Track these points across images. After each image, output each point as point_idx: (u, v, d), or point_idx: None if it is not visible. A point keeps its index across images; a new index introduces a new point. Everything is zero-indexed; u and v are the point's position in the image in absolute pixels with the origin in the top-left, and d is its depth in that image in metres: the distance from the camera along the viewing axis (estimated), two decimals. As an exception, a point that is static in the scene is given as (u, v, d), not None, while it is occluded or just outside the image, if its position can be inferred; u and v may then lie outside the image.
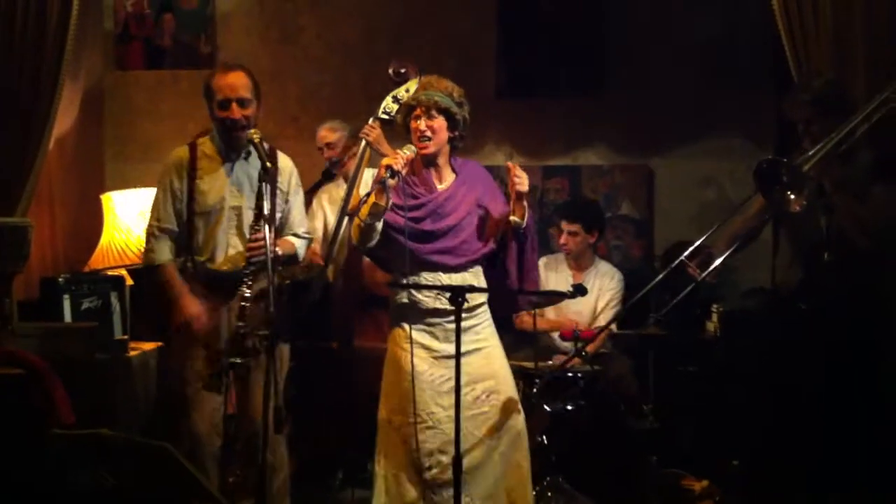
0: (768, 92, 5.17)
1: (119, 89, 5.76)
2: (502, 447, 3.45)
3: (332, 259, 4.48)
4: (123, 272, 4.53)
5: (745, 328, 4.15)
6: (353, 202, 4.41)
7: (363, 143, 4.43)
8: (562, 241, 4.91)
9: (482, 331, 3.52)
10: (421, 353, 3.44)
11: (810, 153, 3.45)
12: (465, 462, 3.32)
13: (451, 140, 3.52)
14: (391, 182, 3.29)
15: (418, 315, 3.48)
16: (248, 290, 3.44)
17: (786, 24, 4.00)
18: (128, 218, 4.76)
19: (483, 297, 3.53)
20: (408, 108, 3.51)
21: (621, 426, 4.49)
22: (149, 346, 4.28)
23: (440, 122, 3.45)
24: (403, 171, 3.35)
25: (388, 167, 3.30)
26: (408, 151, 3.41)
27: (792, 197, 3.41)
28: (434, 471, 3.38)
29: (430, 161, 3.53)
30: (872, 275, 3.57)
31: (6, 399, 3.35)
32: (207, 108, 3.65)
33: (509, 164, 3.47)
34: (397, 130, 4.50)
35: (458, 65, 5.42)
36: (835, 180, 3.58)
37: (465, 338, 3.32)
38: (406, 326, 3.47)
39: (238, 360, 3.41)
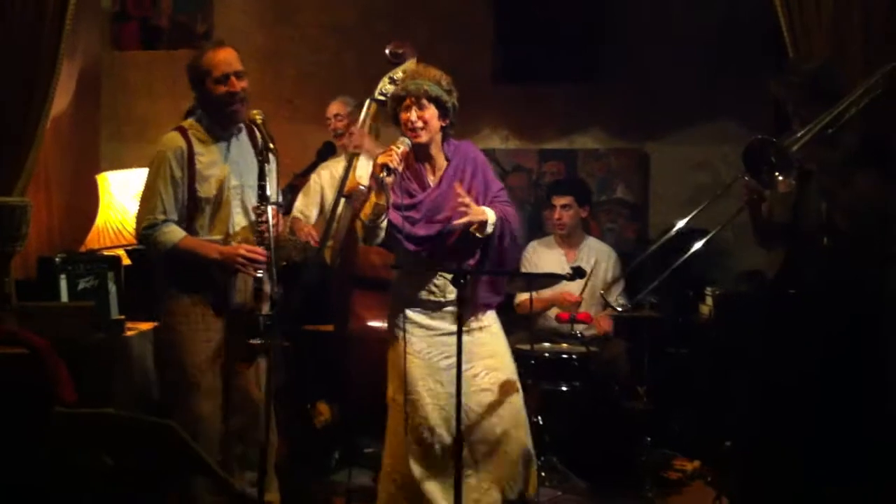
0: (763, 77, 5.14)
1: (115, 69, 5.75)
2: (503, 424, 3.49)
3: (330, 241, 4.48)
4: (121, 252, 4.53)
5: (740, 311, 4.19)
6: (349, 185, 4.43)
7: (350, 153, 4.40)
8: (556, 216, 4.95)
9: (483, 311, 3.56)
10: (419, 331, 3.48)
11: (798, 135, 3.46)
12: (464, 437, 3.36)
13: (442, 128, 3.50)
14: (388, 180, 3.29)
15: (417, 296, 3.50)
16: (262, 272, 3.44)
17: (785, 13, 4.01)
18: (123, 198, 4.76)
19: None
20: (397, 99, 3.49)
21: (615, 407, 4.54)
22: (145, 325, 4.28)
23: (431, 112, 3.44)
24: (400, 168, 3.34)
25: (384, 165, 3.28)
26: (402, 146, 3.38)
27: (780, 177, 3.43)
28: (436, 447, 3.43)
29: (422, 151, 3.50)
30: (860, 259, 3.60)
31: (8, 378, 3.35)
32: (196, 89, 3.56)
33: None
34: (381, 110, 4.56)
35: (455, 48, 5.44)
36: (820, 164, 3.60)
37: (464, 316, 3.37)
38: (404, 307, 3.50)
39: (257, 341, 3.43)
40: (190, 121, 3.63)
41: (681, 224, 3.81)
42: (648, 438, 4.34)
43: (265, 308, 3.45)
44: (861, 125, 3.60)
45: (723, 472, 4.21)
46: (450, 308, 3.48)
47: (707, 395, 4.48)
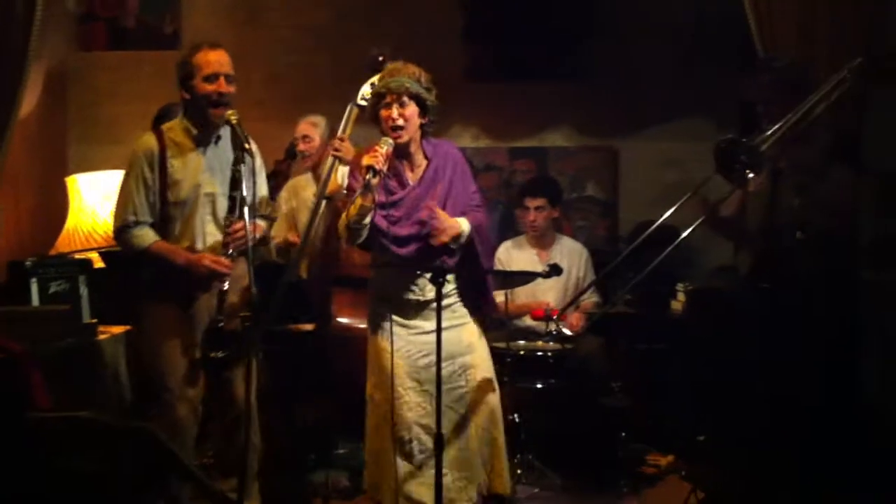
0: (732, 73, 5.23)
1: (82, 71, 5.69)
2: (478, 421, 3.50)
3: (306, 249, 4.44)
4: (94, 255, 4.49)
5: (713, 306, 4.23)
6: (331, 187, 4.41)
7: (331, 159, 4.36)
8: (530, 218, 4.96)
9: (458, 308, 3.57)
10: (398, 330, 3.47)
11: (768, 133, 3.50)
12: (450, 441, 3.41)
13: (422, 126, 3.50)
14: (374, 181, 3.28)
15: (397, 295, 3.51)
16: (226, 283, 3.43)
17: (753, 11, 4.06)
18: (94, 201, 4.72)
19: (453, 287, 3.55)
20: (377, 97, 3.47)
21: (591, 404, 4.57)
22: (118, 329, 4.25)
23: (412, 109, 3.43)
24: (384, 168, 3.34)
25: (370, 167, 3.27)
26: (385, 146, 3.37)
27: (751, 176, 3.46)
28: (413, 444, 3.43)
29: (402, 150, 3.49)
30: (833, 253, 3.65)
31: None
32: (182, 88, 3.52)
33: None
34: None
35: (427, 46, 5.41)
36: (792, 160, 3.65)
37: (441, 315, 3.38)
38: (383, 306, 3.51)
39: (219, 354, 3.42)
40: (171, 123, 3.60)
41: (652, 229, 3.84)
42: (623, 434, 4.37)
43: (231, 322, 3.44)
44: (832, 120, 3.65)
45: (697, 466, 4.25)
46: (430, 307, 3.48)
47: (681, 390, 4.51)
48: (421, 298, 3.50)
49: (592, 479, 4.37)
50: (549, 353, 4.54)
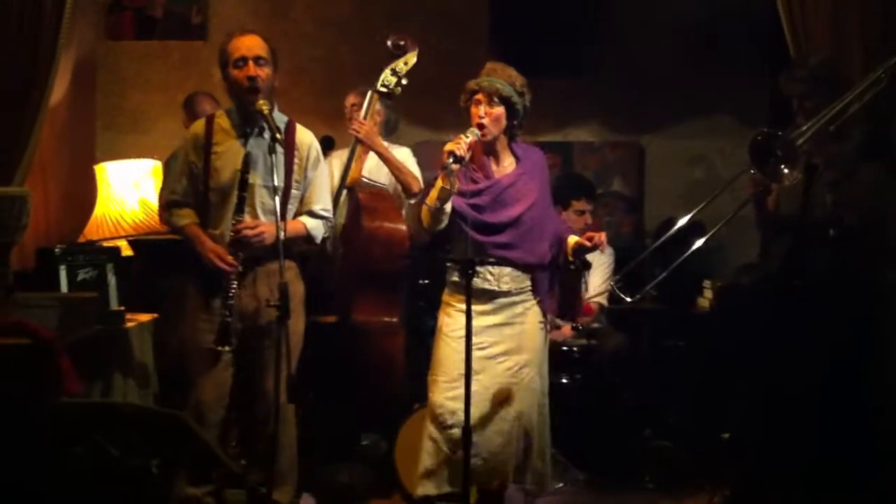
0: (759, 70, 5.22)
1: (109, 59, 5.69)
2: (524, 418, 3.51)
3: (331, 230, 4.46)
4: (123, 243, 4.51)
5: (742, 303, 4.21)
6: (350, 177, 4.42)
7: (354, 140, 4.41)
8: (587, 221, 4.82)
9: (530, 308, 3.57)
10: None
11: (803, 128, 3.49)
12: (486, 428, 3.44)
13: (509, 128, 3.54)
14: (454, 167, 3.30)
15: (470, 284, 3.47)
16: (235, 283, 3.43)
17: (787, 9, 4.04)
18: (122, 189, 4.73)
19: (528, 282, 3.57)
20: (470, 93, 3.51)
21: (615, 400, 4.56)
22: (145, 317, 4.26)
23: (500, 111, 3.48)
24: (467, 157, 3.36)
25: (451, 153, 3.30)
26: (470, 136, 3.40)
27: (785, 171, 3.45)
28: (453, 430, 3.44)
29: (488, 147, 3.55)
30: (866, 252, 3.63)
31: (13, 368, 3.32)
32: (222, 77, 3.56)
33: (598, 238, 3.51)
34: (396, 102, 4.55)
35: (451, 42, 5.45)
36: (826, 157, 3.64)
37: (510, 310, 3.52)
38: (457, 296, 3.52)
39: (225, 349, 3.43)
40: (221, 111, 3.65)
41: (682, 223, 3.83)
42: (648, 430, 4.36)
43: (234, 321, 3.44)
44: (865, 118, 3.63)
45: (721, 464, 4.23)
46: (502, 299, 3.52)
47: (706, 387, 4.50)
48: (496, 289, 3.51)
49: (616, 475, 4.37)
50: (574, 349, 4.54)
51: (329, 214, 3.73)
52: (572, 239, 3.61)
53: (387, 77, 4.40)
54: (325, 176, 3.74)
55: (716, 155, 5.45)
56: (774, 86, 3.88)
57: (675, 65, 5.48)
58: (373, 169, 4.53)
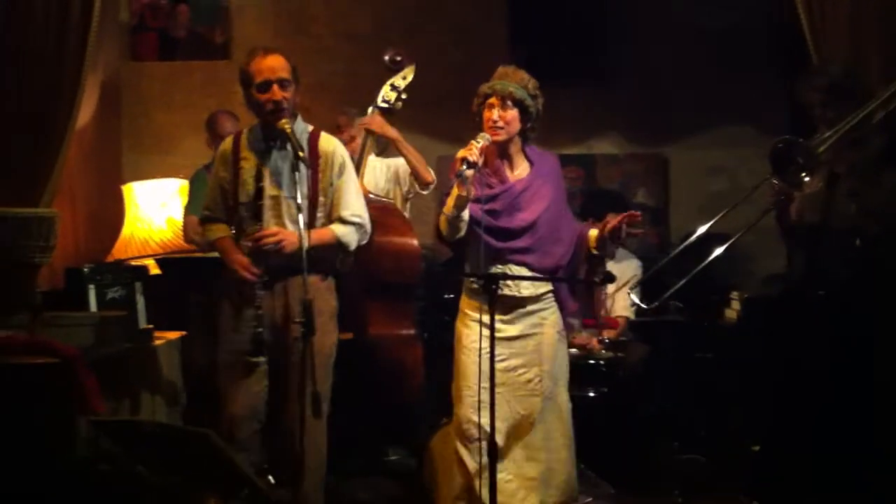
0: (781, 80, 5.20)
1: (133, 80, 5.76)
2: (547, 431, 3.50)
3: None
4: (151, 262, 4.55)
5: (769, 314, 4.18)
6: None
7: (364, 132, 4.45)
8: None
9: (548, 318, 3.56)
10: (485, 331, 3.40)
11: (825, 135, 3.48)
12: (509, 440, 3.43)
13: (522, 131, 3.53)
14: (468, 173, 3.30)
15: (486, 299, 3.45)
16: (261, 293, 3.46)
17: (805, 8, 4.03)
18: (149, 208, 4.78)
19: (549, 286, 3.56)
20: (483, 97, 3.51)
21: (642, 412, 4.54)
22: (173, 334, 4.29)
23: (513, 114, 3.47)
24: (480, 162, 3.35)
25: (464, 159, 3.30)
26: (482, 141, 3.40)
27: (806, 178, 3.43)
28: (478, 444, 3.41)
29: (502, 150, 3.54)
30: (890, 261, 3.60)
31: (39, 387, 3.36)
32: (244, 96, 3.56)
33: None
34: (404, 117, 4.57)
35: (469, 54, 5.47)
36: (848, 165, 3.62)
37: (527, 321, 3.50)
38: (473, 305, 3.51)
39: (258, 360, 3.46)
40: (248, 127, 3.67)
41: (702, 230, 3.82)
42: (676, 443, 4.33)
43: (265, 332, 3.47)
44: (884, 125, 3.61)
45: (751, 476, 4.20)
46: (520, 310, 3.51)
47: (734, 399, 4.46)
48: (517, 294, 3.50)
49: (645, 488, 4.33)
50: (601, 362, 4.52)
51: (360, 220, 3.62)
52: (594, 231, 3.56)
53: (386, 92, 4.43)
54: (352, 182, 3.66)
55: (739, 166, 5.42)
56: (796, 94, 3.87)
57: (696, 74, 5.47)
58: (372, 183, 4.56)
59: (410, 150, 4.45)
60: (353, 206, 3.62)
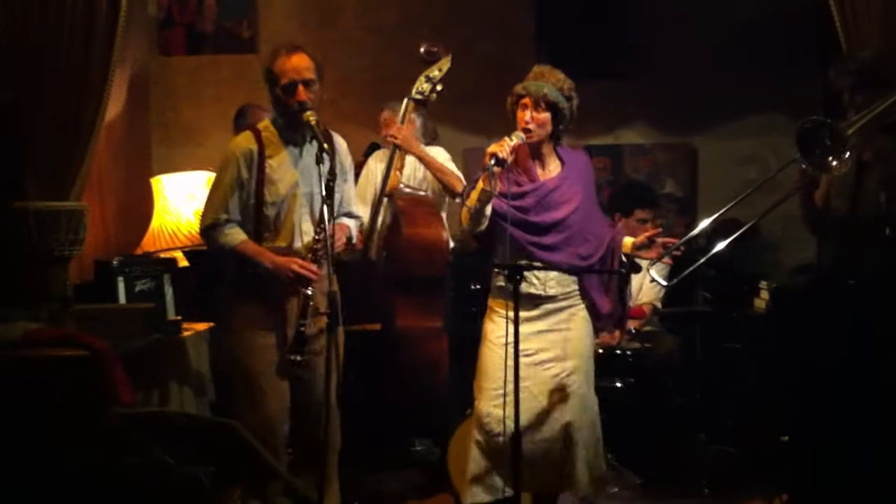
0: (810, 68, 5.15)
1: (162, 75, 5.82)
2: (573, 427, 3.47)
3: (374, 237, 4.49)
4: (179, 254, 4.58)
5: (799, 304, 4.14)
6: (390, 184, 4.44)
7: (392, 147, 4.42)
8: (647, 229, 4.75)
9: (577, 313, 3.55)
10: (511, 328, 3.37)
11: (854, 118, 3.43)
12: (534, 435, 3.41)
13: (554, 132, 3.52)
14: (496, 169, 3.28)
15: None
16: (311, 288, 3.43)
17: (837, 5, 3.98)
18: (178, 201, 4.82)
19: (575, 286, 3.55)
20: (516, 97, 3.49)
21: (669, 403, 4.52)
22: (201, 326, 4.32)
23: (546, 116, 3.44)
24: (509, 160, 3.33)
25: (493, 155, 3.28)
26: (515, 139, 3.37)
27: (833, 162, 3.38)
28: (499, 438, 3.41)
29: (534, 150, 3.52)
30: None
31: (68, 380, 3.39)
32: (269, 92, 3.52)
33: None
34: (432, 111, 4.56)
35: (496, 46, 5.45)
36: (878, 153, 3.57)
37: (556, 317, 3.50)
38: (500, 303, 3.51)
39: (299, 358, 3.44)
40: (266, 121, 3.60)
41: (711, 219, 3.76)
42: (703, 434, 4.31)
43: (311, 326, 3.45)
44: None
45: (780, 467, 4.17)
46: (548, 305, 3.50)
47: (762, 389, 4.43)
48: (542, 293, 3.50)
49: (671, 479, 4.32)
50: (628, 352, 4.50)
51: (360, 215, 3.85)
52: (629, 239, 3.57)
53: (421, 84, 4.39)
54: (353, 179, 3.84)
55: (769, 154, 5.37)
56: (826, 82, 3.82)
57: (724, 63, 5.44)
58: (411, 176, 4.55)
59: (436, 163, 4.43)
60: (355, 202, 3.82)
